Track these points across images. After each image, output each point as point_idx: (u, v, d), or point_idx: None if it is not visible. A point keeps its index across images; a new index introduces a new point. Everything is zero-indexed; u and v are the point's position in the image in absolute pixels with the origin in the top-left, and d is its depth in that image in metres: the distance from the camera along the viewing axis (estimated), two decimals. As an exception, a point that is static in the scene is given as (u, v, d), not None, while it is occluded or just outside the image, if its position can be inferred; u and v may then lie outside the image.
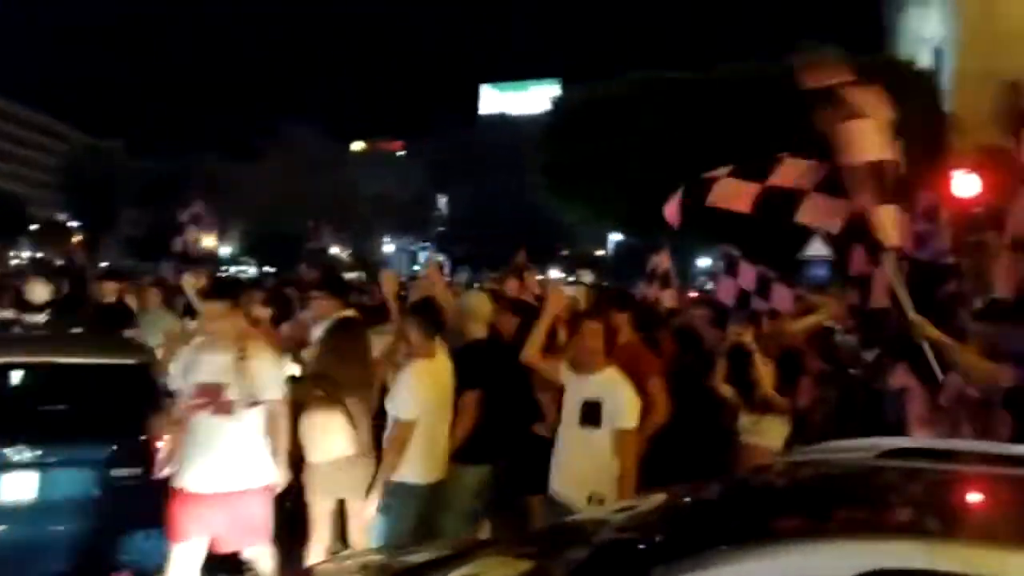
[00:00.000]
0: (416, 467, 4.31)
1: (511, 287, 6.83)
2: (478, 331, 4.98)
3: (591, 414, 3.99)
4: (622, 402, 3.98)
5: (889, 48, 28.12)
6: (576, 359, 4.18)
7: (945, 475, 2.12)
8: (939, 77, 21.10)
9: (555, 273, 27.77)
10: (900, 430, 3.83)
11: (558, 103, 25.09)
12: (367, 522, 4.31)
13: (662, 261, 9.67)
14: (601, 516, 2.68)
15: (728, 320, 6.71)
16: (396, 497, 4.27)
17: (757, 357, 4.59)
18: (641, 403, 4.07)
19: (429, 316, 4.53)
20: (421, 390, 4.35)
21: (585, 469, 3.99)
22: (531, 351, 4.41)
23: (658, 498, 2.44)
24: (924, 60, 23.35)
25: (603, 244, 50.23)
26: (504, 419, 4.77)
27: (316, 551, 4.40)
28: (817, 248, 15.08)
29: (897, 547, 1.70)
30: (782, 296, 6.31)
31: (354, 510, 4.45)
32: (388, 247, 55.35)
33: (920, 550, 1.67)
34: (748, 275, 6.53)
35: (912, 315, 3.52)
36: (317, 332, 5.08)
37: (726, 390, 4.54)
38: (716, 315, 6.88)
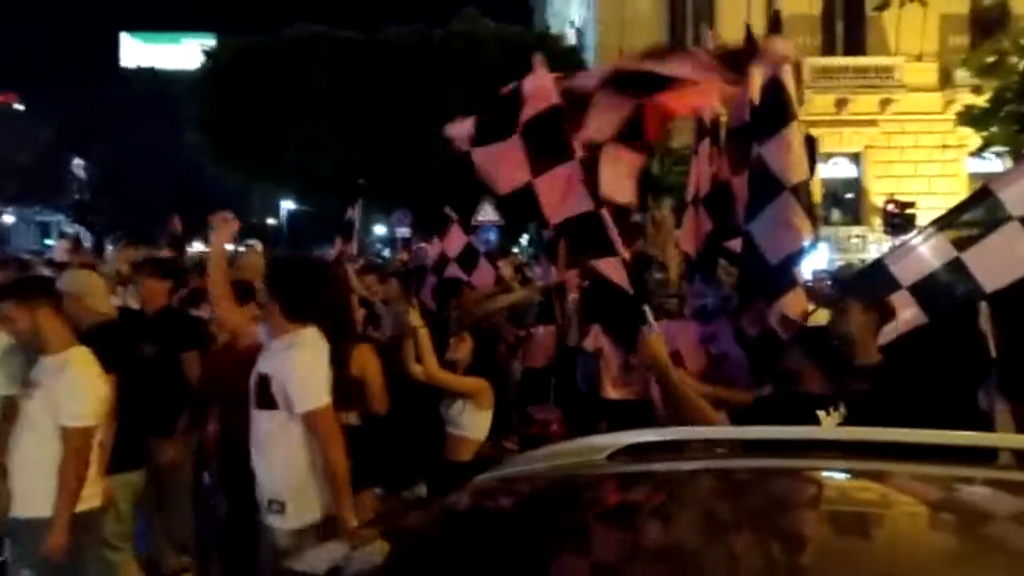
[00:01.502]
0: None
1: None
2: (100, 308, 4.10)
3: (263, 391, 3.15)
4: (292, 375, 3.10)
5: (538, 24, 30.26)
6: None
7: (705, 477, 1.85)
8: (583, 54, 23.15)
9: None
10: (595, 395, 3.83)
11: (214, 56, 22.81)
12: None
13: (353, 213, 9.71)
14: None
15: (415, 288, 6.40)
16: (32, 543, 3.17)
17: (422, 333, 4.13)
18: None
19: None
20: (96, 384, 3.34)
21: (267, 467, 3.17)
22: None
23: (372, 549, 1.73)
24: (569, 38, 25.50)
25: (276, 213, 47.63)
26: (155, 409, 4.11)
27: None
28: (488, 213, 15.67)
29: None
30: (485, 274, 6.09)
31: None
32: (8, 217, 46.54)
33: None
34: (456, 241, 6.20)
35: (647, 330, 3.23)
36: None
37: (418, 370, 4.11)
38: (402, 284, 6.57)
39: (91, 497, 3.33)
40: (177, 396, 4.41)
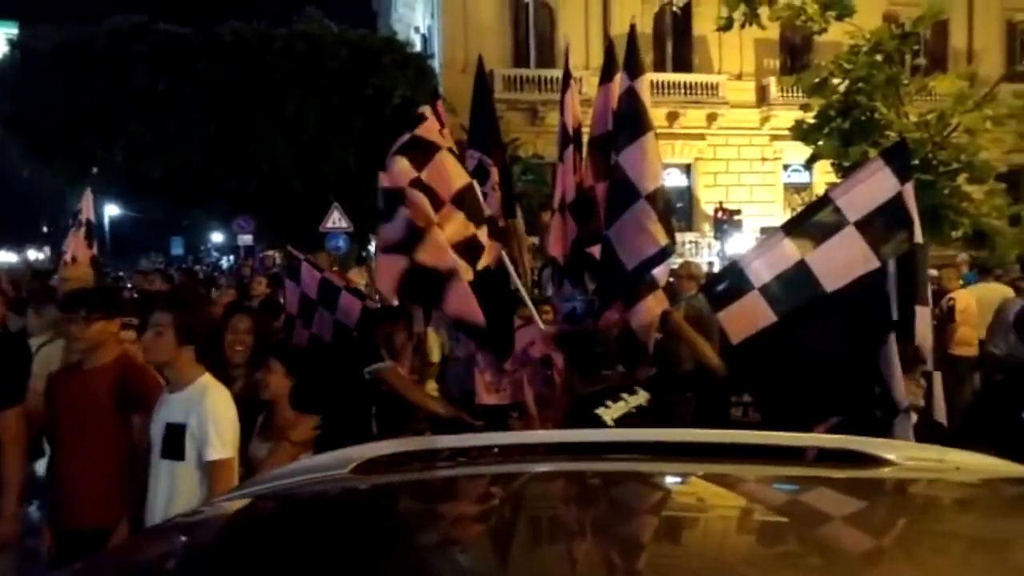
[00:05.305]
0: None
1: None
2: None
3: (173, 442, 3.08)
4: (207, 422, 3.05)
5: (382, 29, 29.88)
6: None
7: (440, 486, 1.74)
8: (430, 62, 23.10)
9: (36, 255, 23.16)
10: (468, 400, 3.79)
11: (20, 45, 20.61)
12: None
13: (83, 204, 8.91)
14: None
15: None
16: None
17: None
18: None
19: None
20: None
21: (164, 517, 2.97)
22: None
23: None
24: (415, 45, 25.40)
25: (97, 218, 43.84)
26: None
27: None
28: (336, 219, 15.24)
29: None
30: (351, 308, 5.28)
31: None
32: None
33: None
34: (311, 280, 5.16)
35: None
36: None
37: None
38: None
39: None
40: None
